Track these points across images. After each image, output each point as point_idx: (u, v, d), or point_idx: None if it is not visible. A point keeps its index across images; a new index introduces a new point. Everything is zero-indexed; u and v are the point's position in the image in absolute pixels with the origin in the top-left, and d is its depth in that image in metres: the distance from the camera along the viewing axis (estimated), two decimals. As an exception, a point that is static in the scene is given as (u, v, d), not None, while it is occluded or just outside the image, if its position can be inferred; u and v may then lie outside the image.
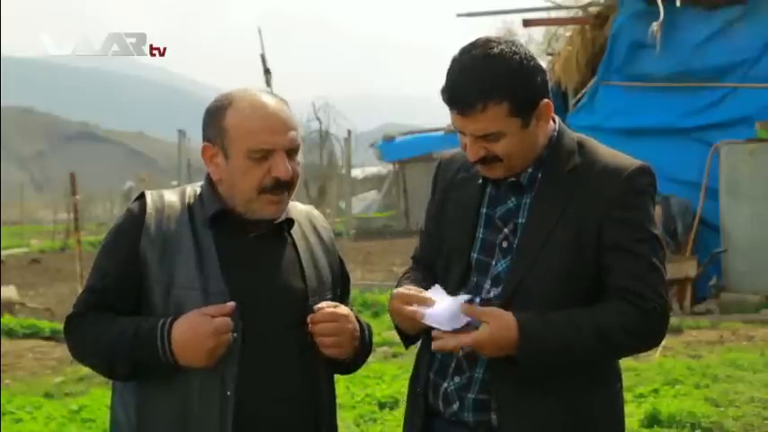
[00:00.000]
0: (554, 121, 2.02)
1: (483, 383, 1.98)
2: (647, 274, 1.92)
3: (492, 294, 1.99)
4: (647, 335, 1.95)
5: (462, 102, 1.89)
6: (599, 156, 1.99)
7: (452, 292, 1.99)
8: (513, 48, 1.91)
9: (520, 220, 1.99)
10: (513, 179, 2.00)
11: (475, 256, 2.03)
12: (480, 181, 2.05)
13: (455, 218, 2.09)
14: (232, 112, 1.99)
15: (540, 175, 1.99)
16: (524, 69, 1.90)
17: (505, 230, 2.00)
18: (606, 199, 1.92)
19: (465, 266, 2.03)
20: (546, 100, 1.93)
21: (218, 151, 2.00)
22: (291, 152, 2.00)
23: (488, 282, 2.00)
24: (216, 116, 2.01)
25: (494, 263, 2.01)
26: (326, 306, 2.02)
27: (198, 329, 1.89)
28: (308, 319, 1.99)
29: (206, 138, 2.03)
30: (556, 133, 2.01)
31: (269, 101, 2.01)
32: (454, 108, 1.91)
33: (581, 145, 2.02)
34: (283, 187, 1.99)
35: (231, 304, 1.91)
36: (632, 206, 1.93)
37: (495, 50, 1.89)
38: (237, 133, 1.97)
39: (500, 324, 1.86)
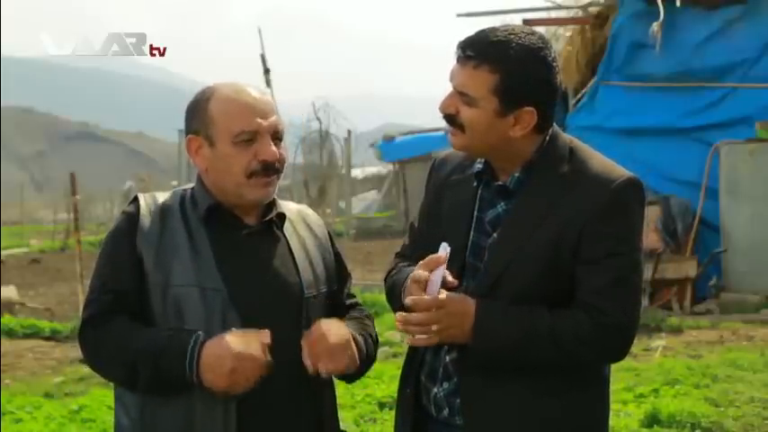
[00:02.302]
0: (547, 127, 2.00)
1: None
2: (613, 290, 1.89)
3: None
4: (602, 348, 1.93)
5: (465, 49, 1.92)
6: (589, 164, 1.97)
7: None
8: (546, 51, 1.91)
9: None
10: (501, 183, 1.99)
11: (467, 260, 2.03)
12: (474, 184, 2.06)
13: (450, 218, 2.09)
14: (215, 100, 2.02)
15: (524, 178, 1.97)
16: (535, 67, 1.90)
17: (494, 235, 1.99)
18: (590, 209, 1.90)
19: (460, 268, 2.02)
20: (531, 109, 1.91)
21: (203, 141, 2.03)
22: (276, 137, 2.03)
23: (474, 284, 2.01)
24: (198, 107, 2.04)
25: (482, 266, 2.01)
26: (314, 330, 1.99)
27: (221, 350, 1.87)
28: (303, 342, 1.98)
29: (189, 131, 2.06)
30: (548, 137, 1.99)
31: (249, 88, 2.06)
32: (458, 51, 1.94)
33: (573, 151, 1.99)
34: (271, 170, 2.02)
35: (265, 334, 1.90)
36: (614, 219, 1.91)
37: (526, 37, 1.91)
38: (222, 119, 2.00)
39: (459, 300, 1.89)
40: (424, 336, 1.87)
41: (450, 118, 1.95)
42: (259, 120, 2.00)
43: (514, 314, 1.89)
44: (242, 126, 1.99)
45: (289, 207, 2.20)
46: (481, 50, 1.89)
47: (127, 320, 1.98)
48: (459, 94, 1.93)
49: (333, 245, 2.24)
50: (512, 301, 1.91)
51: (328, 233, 2.26)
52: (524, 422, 1.93)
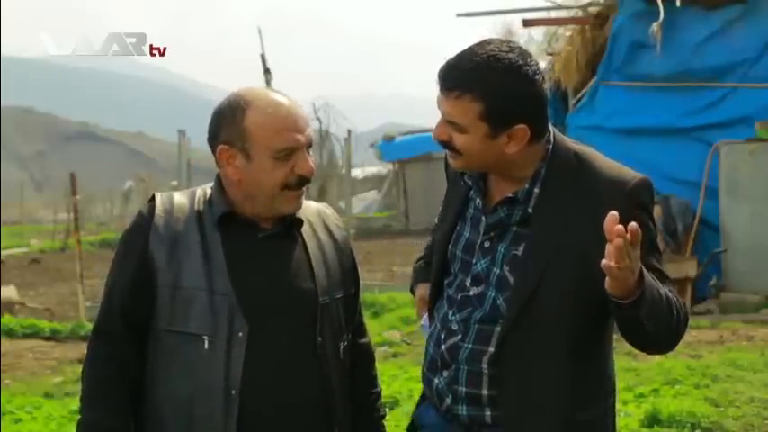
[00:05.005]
0: (548, 134, 2.00)
1: (469, 375, 1.99)
2: (667, 282, 1.92)
3: (472, 293, 2.01)
4: (683, 328, 1.93)
5: (445, 79, 1.91)
6: (598, 169, 1.97)
7: (435, 282, 2.11)
8: (526, 67, 1.88)
9: (514, 228, 1.99)
10: (510, 195, 1.98)
11: (459, 254, 2.06)
12: (462, 183, 2.08)
13: (445, 211, 2.14)
14: (252, 112, 1.98)
15: (536, 191, 1.97)
16: (518, 86, 1.88)
17: (491, 234, 2.00)
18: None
19: (442, 258, 2.08)
20: (523, 126, 1.90)
21: (237, 153, 2.00)
22: (309, 147, 2.03)
23: (469, 280, 2.03)
24: (233, 118, 2.00)
25: (474, 261, 2.02)
26: None
27: None
28: None
29: (220, 140, 2.02)
30: (551, 146, 1.99)
31: (283, 99, 2.03)
32: (438, 81, 1.93)
33: (578, 157, 1.99)
34: (304, 183, 2.03)
35: None
36: (638, 222, 1.87)
37: (505, 56, 1.87)
38: (261, 134, 1.97)
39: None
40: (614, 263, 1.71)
41: (445, 144, 1.96)
42: (299, 135, 1.99)
43: (656, 284, 1.85)
44: (284, 143, 1.97)
45: (309, 207, 2.19)
46: (461, 80, 1.87)
47: (116, 369, 2.01)
48: (449, 122, 1.92)
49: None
50: (547, 318, 1.92)
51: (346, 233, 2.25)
52: (552, 422, 1.94)
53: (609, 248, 1.69)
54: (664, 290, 1.87)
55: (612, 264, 1.70)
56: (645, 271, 1.79)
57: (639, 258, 1.75)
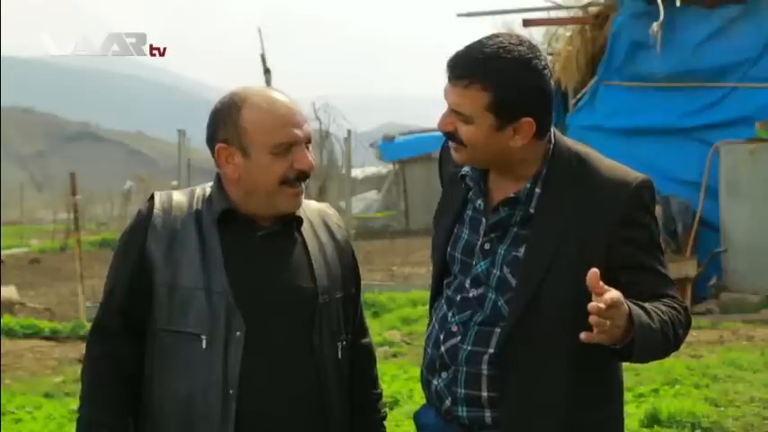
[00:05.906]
0: (549, 134, 2.00)
1: (468, 377, 1.99)
2: (668, 284, 1.95)
3: (472, 294, 2.01)
4: (680, 341, 1.96)
5: (454, 68, 1.91)
6: (600, 169, 1.97)
7: (434, 285, 2.10)
8: (536, 60, 1.89)
9: (514, 229, 1.99)
10: (512, 195, 1.98)
11: (458, 256, 2.06)
12: (463, 185, 2.07)
13: (444, 212, 2.13)
14: (248, 109, 1.99)
15: (538, 191, 1.97)
16: (526, 78, 1.88)
17: (492, 235, 2.00)
18: (612, 216, 1.91)
19: (441, 261, 2.07)
20: (529, 120, 1.90)
21: (235, 150, 2.00)
22: (307, 143, 2.03)
23: (468, 281, 2.02)
24: (230, 116, 2.00)
25: (474, 263, 2.02)
26: None
27: None
28: None
29: (218, 139, 2.02)
30: (552, 146, 1.99)
31: (279, 96, 2.03)
32: (447, 70, 1.93)
33: (579, 157, 1.99)
34: (304, 178, 2.02)
35: None
36: (639, 223, 1.93)
37: (515, 48, 1.89)
38: (259, 130, 1.98)
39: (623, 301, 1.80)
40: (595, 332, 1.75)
41: (450, 135, 1.96)
42: (297, 129, 1.99)
43: (649, 312, 1.85)
44: (281, 138, 1.98)
45: (310, 206, 2.18)
46: (470, 69, 1.88)
47: (114, 369, 2.02)
48: (455, 113, 1.93)
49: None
50: (547, 320, 1.92)
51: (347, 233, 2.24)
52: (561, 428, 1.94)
53: (591, 318, 1.71)
54: (658, 317, 1.86)
55: (593, 334, 1.72)
56: (635, 311, 1.79)
57: (637, 294, 1.80)
